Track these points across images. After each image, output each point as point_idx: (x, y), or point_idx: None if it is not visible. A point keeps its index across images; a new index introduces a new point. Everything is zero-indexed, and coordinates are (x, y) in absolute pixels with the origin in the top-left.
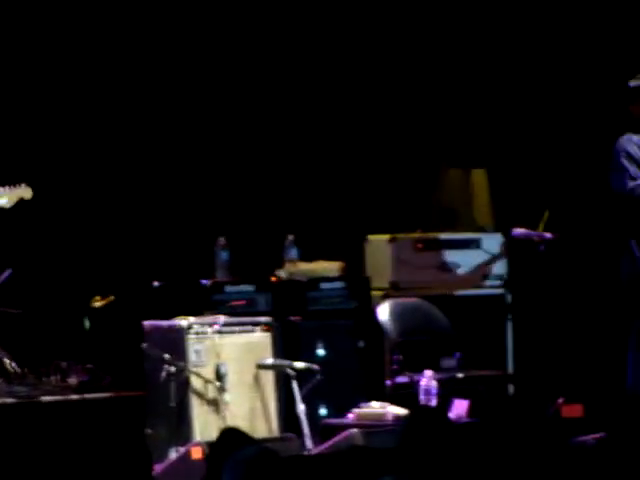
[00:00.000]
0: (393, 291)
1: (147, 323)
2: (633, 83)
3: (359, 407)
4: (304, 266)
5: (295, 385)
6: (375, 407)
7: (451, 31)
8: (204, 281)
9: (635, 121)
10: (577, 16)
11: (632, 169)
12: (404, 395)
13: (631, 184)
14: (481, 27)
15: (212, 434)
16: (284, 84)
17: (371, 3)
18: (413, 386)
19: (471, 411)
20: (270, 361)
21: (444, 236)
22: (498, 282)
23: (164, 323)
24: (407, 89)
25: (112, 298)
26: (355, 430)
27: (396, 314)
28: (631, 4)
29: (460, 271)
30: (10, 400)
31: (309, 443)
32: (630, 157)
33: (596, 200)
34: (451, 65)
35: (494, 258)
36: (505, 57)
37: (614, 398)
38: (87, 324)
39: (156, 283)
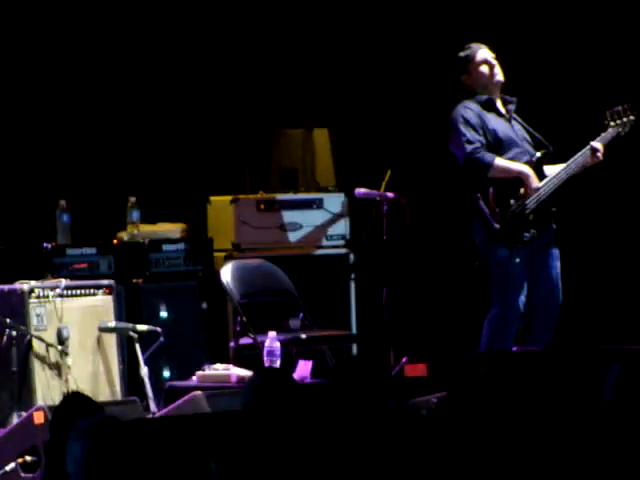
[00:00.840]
0: (236, 252)
1: None
2: (462, 54)
3: (203, 369)
4: (146, 228)
5: (138, 348)
6: (219, 369)
7: None
8: (45, 244)
9: (467, 91)
10: None
11: (470, 134)
12: (248, 357)
13: (469, 148)
14: None
15: (55, 398)
16: (118, 52)
17: None
18: (257, 348)
19: (315, 372)
20: (112, 324)
21: (286, 197)
22: (341, 242)
23: (4, 287)
24: (243, 50)
25: None
26: (199, 392)
27: (238, 275)
28: None
29: (303, 231)
30: None
31: (153, 406)
32: (467, 122)
33: (440, 161)
34: (287, 26)
35: (336, 217)
36: (339, 18)
37: (459, 357)
38: None
39: None
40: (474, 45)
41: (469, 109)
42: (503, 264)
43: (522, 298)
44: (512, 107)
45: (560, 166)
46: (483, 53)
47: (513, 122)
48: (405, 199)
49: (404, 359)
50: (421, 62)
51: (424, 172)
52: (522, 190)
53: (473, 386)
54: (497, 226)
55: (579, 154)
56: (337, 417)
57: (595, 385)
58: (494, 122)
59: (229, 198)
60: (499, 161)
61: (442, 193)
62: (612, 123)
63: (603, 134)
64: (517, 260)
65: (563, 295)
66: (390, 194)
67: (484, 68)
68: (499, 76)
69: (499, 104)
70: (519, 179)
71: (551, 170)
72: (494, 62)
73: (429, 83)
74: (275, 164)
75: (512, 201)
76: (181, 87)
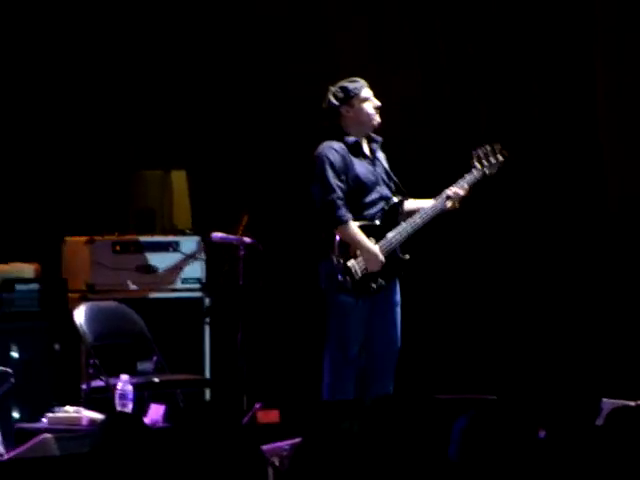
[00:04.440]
0: (90, 294)
1: None
2: (349, 85)
3: (53, 411)
4: None
5: None
6: (70, 411)
7: (133, 29)
8: None
9: (336, 125)
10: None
11: (333, 181)
12: (100, 400)
13: (330, 195)
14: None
15: None
16: None
17: None
18: (109, 390)
19: (167, 416)
20: None
21: (142, 238)
22: (197, 285)
23: None
24: (101, 91)
25: None
26: (48, 435)
27: (92, 317)
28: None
29: (158, 274)
30: None
31: (1, 448)
32: (332, 166)
33: (295, 205)
34: (145, 69)
35: (190, 257)
36: (196, 59)
37: (309, 403)
38: None
39: None
40: (359, 80)
41: (335, 150)
42: (345, 313)
43: (356, 347)
44: (376, 146)
45: (421, 204)
46: (368, 91)
47: (376, 163)
48: (261, 245)
49: (257, 405)
50: (278, 104)
51: (281, 217)
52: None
53: (333, 434)
54: (341, 278)
55: (436, 202)
56: (188, 462)
57: (440, 438)
58: (358, 165)
59: (84, 239)
60: (351, 225)
61: (298, 238)
62: (477, 164)
63: (467, 176)
64: (360, 310)
65: (404, 342)
66: (247, 239)
67: (368, 106)
68: (378, 118)
69: (365, 144)
70: (372, 228)
71: (415, 204)
72: (378, 103)
73: (287, 126)
74: (132, 205)
75: (358, 252)
76: (37, 124)
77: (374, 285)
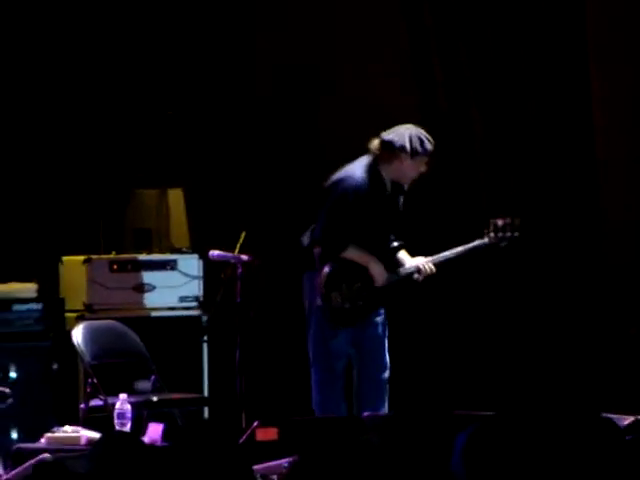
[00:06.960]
0: (88, 313)
1: None
2: (418, 146)
3: (52, 431)
4: None
5: None
6: (68, 431)
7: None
8: None
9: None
10: None
11: (338, 224)
12: (99, 419)
13: (328, 236)
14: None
15: None
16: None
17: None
18: (108, 410)
19: (166, 435)
20: None
21: (140, 257)
22: (194, 304)
23: None
24: (97, 110)
25: None
26: (47, 455)
27: (90, 336)
28: None
29: (156, 292)
30: None
31: (0, 469)
32: (344, 207)
33: (292, 222)
34: (140, 88)
35: (190, 279)
36: (190, 79)
37: (308, 421)
38: None
39: None
40: (430, 144)
41: (358, 186)
42: (323, 334)
43: (341, 363)
44: (398, 189)
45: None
46: (425, 160)
47: (393, 206)
48: (259, 261)
49: (255, 423)
50: (274, 120)
51: (279, 234)
52: (358, 284)
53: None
54: (319, 302)
55: (404, 269)
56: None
57: (445, 452)
58: (371, 206)
59: (82, 258)
60: (353, 247)
61: (295, 255)
62: (492, 234)
63: (477, 241)
64: (338, 335)
65: (404, 359)
66: (244, 256)
67: (418, 169)
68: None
69: (388, 183)
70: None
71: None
72: (422, 171)
73: (283, 146)
74: (129, 224)
75: (343, 285)
76: (33, 144)
77: (349, 320)
